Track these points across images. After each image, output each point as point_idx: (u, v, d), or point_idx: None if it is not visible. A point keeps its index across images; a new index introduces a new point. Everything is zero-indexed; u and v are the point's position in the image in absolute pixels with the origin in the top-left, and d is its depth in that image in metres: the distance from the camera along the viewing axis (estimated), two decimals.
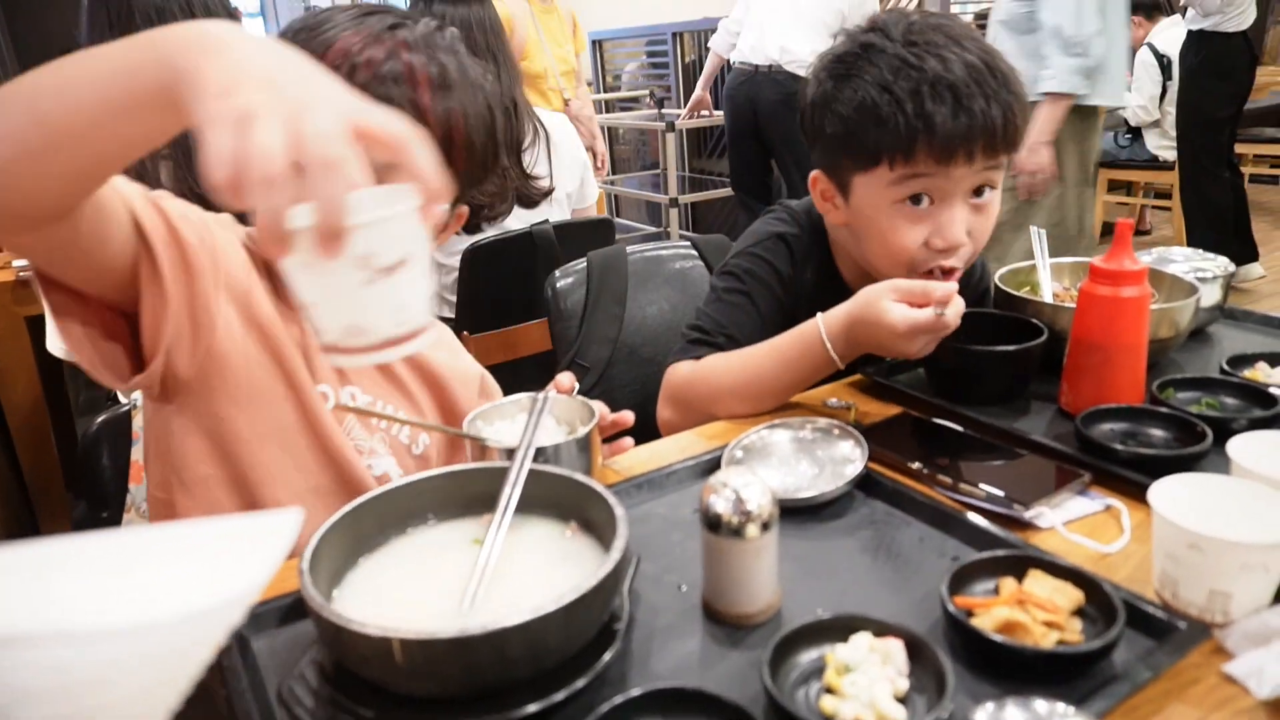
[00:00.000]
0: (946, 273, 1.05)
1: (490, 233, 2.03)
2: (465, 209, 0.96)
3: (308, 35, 0.83)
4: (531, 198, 2.07)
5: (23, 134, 0.55)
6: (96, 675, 0.31)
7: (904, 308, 0.92)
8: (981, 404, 1.01)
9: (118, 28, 1.50)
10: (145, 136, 0.57)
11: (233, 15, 1.63)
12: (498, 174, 1.97)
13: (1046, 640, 0.61)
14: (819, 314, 1.00)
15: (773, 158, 3.79)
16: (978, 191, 1.03)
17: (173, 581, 0.33)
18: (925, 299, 0.92)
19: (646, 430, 1.02)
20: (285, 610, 0.69)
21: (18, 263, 2.03)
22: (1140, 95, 4.71)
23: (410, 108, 0.81)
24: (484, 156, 0.90)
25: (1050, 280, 1.23)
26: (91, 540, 0.36)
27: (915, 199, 1.02)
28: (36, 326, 1.87)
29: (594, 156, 3.45)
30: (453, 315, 2.04)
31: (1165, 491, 0.69)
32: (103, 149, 0.57)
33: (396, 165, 0.50)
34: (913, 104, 0.96)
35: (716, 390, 1.06)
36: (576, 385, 0.93)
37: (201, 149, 0.45)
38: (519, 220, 2.07)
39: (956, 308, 0.92)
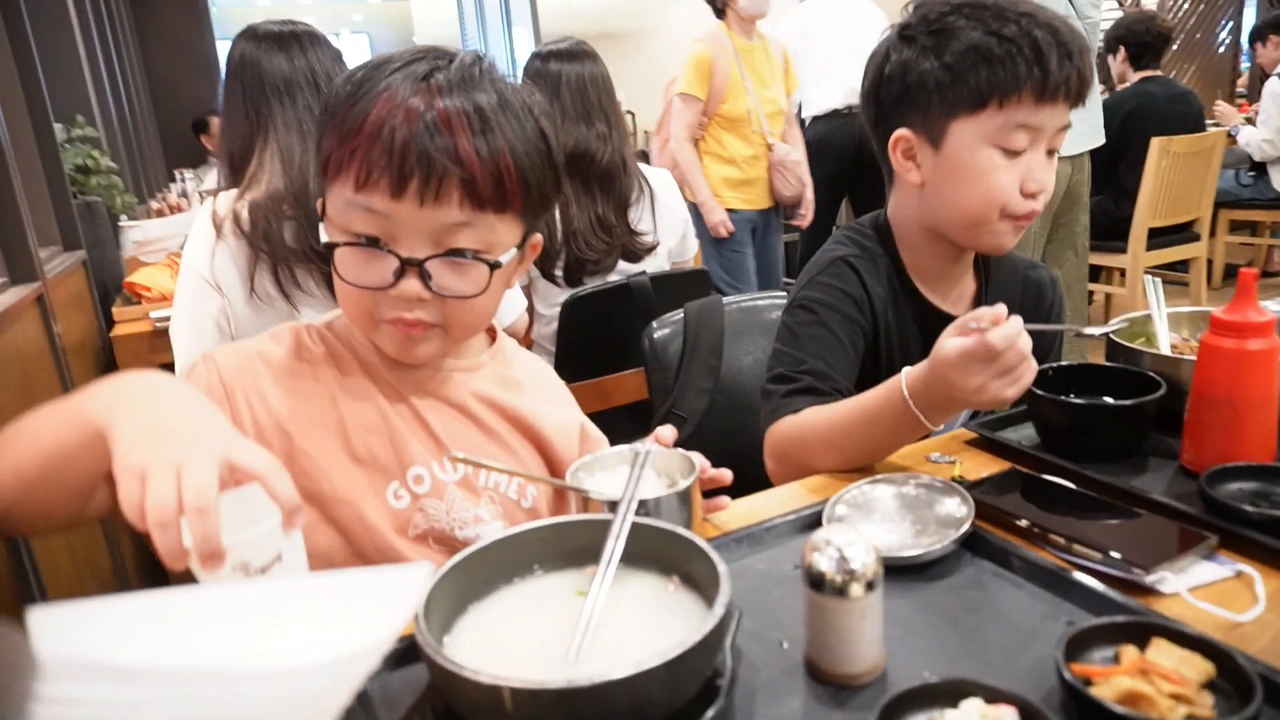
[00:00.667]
0: (1027, 216, 1.09)
1: (589, 284, 2.08)
2: (538, 239, 0.96)
3: (356, 90, 0.84)
4: (636, 253, 2.11)
5: (7, 483, 0.73)
6: (245, 716, 0.34)
7: (955, 339, 0.89)
8: (1095, 461, 0.98)
9: (250, 100, 1.62)
10: (100, 466, 0.67)
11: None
12: (604, 230, 2.04)
13: (1174, 715, 0.58)
14: (904, 370, 0.97)
15: (861, 194, 3.82)
16: (1051, 151, 1.10)
17: (312, 630, 0.36)
18: (976, 324, 0.89)
19: (743, 483, 1.02)
20: (399, 654, 0.71)
21: (154, 314, 2.20)
22: (1267, 129, 4.46)
23: (453, 155, 0.82)
24: (541, 186, 0.89)
25: (1167, 331, 1.18)
26: (239, 589, 0.39)
27: (1014, 146, 1.07)
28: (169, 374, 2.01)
29: (800, 204, 3.33)
30: (551, 364, 2.09)
31: None
32: (72, 478, 0.72)
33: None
34: (1028, 44, 1.03)
35: (814, 448, 1.05)
36: (676, 438, 0.95)
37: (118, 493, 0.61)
38: (618, 272, 2.11)
39: (1004, 331, 0.87)
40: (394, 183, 0.81)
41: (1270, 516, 0.82)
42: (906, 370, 0.97)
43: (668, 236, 2.18)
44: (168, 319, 1.72)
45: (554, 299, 2.08)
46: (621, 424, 1.16)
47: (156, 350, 2.15)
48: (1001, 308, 0.90)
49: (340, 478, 0.90)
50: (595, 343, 2.06)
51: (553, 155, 0.91)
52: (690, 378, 1.60)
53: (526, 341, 2.19)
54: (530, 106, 0.89)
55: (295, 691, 0.34)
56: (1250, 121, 4.67)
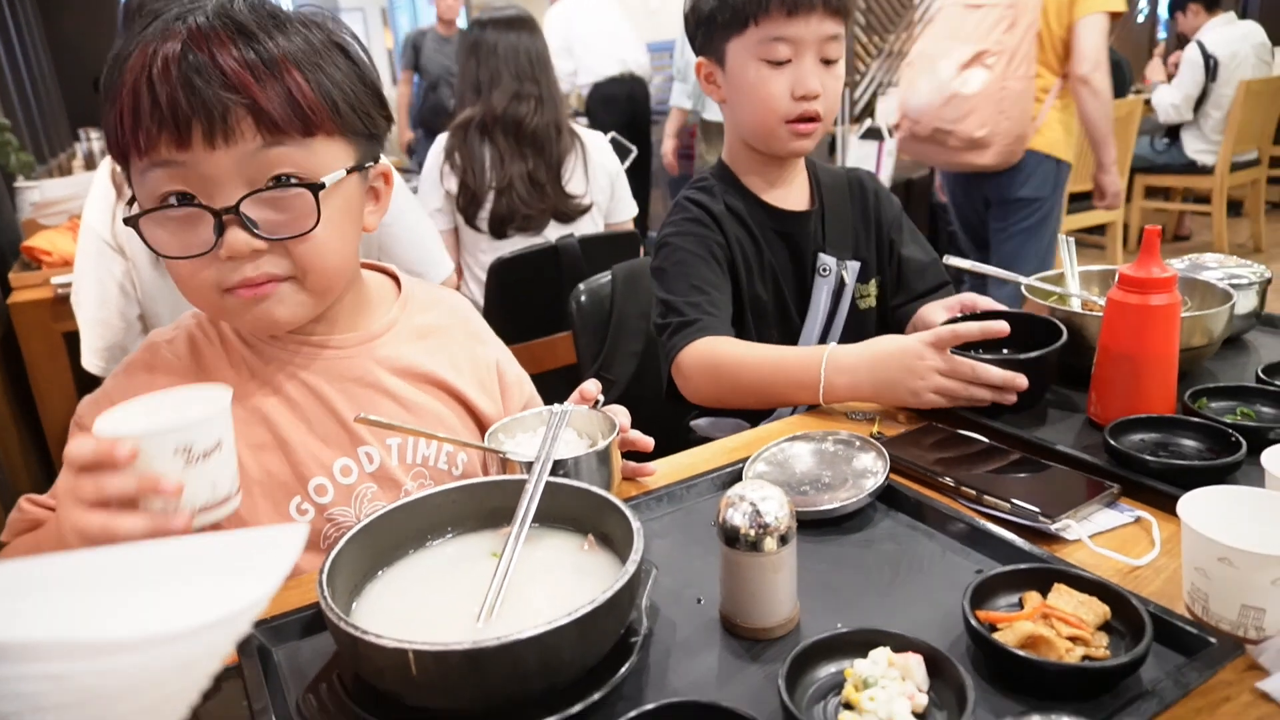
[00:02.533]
0: (810, 119, 1.21)
1: (517, 245, 2.06)
2: (387, 167, 0.89)
3: (116, 59, 0.76)
4: (569, 214, 2.13)
5: None
6: (106, 686, 0.32)
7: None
8: (1004, 412, 1.00)
9: None
10: None
11: None
12: (534, 186, 2.05)
13: (1071, 656, 0.59)
14: (828, 346, 1.09)
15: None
16: (826, 60, 1.21)
17: (180, 594, 0.34)
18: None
19: (670, 444, 1.02)
20: (307, 622, 0.70)
21: (56, 279, 2.09)
22: (1177, 93, 4.59)
23: (227, 84, 0.72)
24: (353, 102, 0.80)
25: (1079, 288, 1.22)
26: (99, 554, 0.37)
27: (776, 58, 1.19)
28: (73, 342, 1.92)
29: None
30: None
31: (1195, 503, 0.67)
32: None
33: None
34: None
35: (723, 382, 1.15)
36: (601, 397, 0.93)
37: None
38: (550, 232, 2.11)
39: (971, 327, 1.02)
40: (174, 134, 0.73)
41: (1168, 465, 0.85)
42: (834, 346, 1.08)
43: (599, 194, 2.19)
44: (70, 285, 1.63)
45: (486, 252, 2.08)
46: (556, 388, 1.15)
47: (59, 318, 2.05)
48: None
49: (233, 515, 0.82)
50: (524, 306, 2.04)
51: (364, 74, 0.82)
52: (618, 341, 1.58)
53: None
54: (326, 32, 0.81)
55: (161, 659, 0.32)
56: (1171, 79, 4.78)
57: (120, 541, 0.62)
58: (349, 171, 0.81)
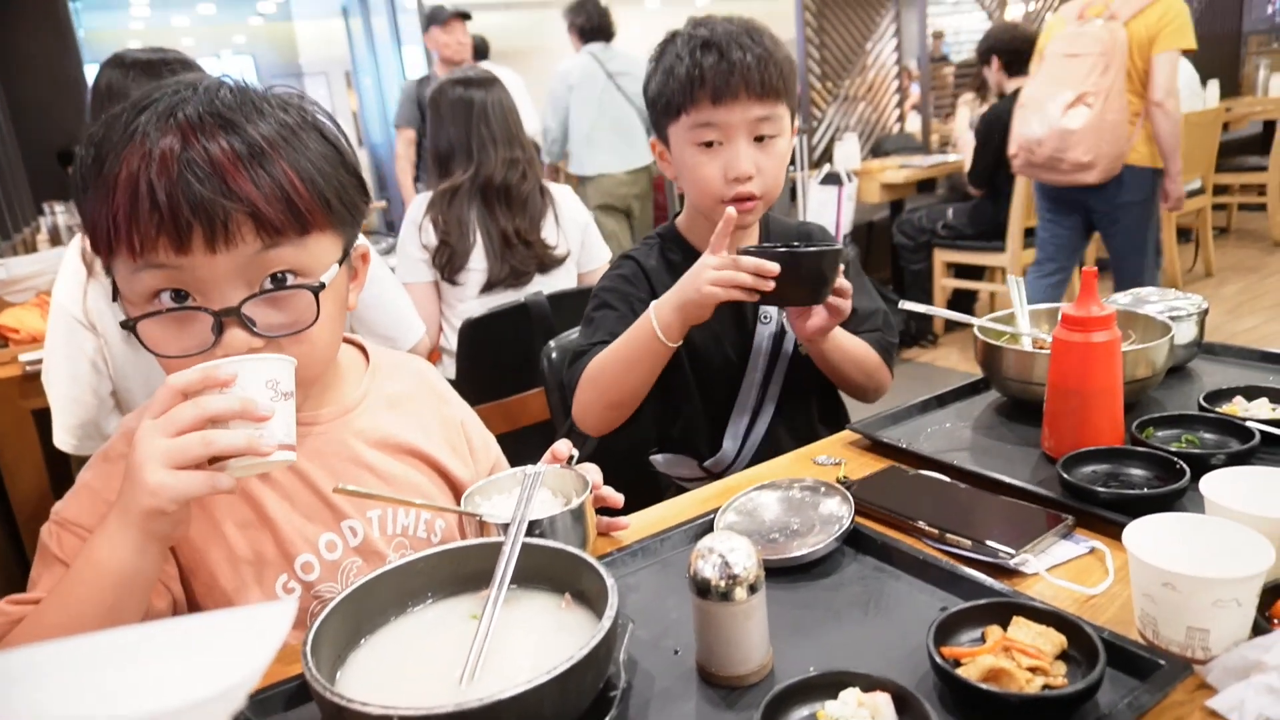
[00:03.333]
0: (747, 199, 1.24)
1: (496, 298, 2.12)
2: (364, 247, 0.90)
3: (99, 149, 0.75)
4: (548, 265, 2.22)
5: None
6: None
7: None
8: (787, 304, 1.15)
9: None
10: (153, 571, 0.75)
11: None
12: (525, 245, 2.11)
13: (1031, 686, 0.62)
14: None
15: None
16: (760, 138, 1.25)
17: (173, 673, 0.36)
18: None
19: (643, 497, 1.05)
20: (290, 694, 0.71)
21: (24, 356, 2.08)
22: None
23: (228, 192, 0.73)
24: (342, 195, 0.81)
25: (1029, 327, 1.27)
26: (91, 637, 0.39)
27: (708, 141, 1.24)
28: (43, 420, 1.91)
29: None
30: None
31: (1140, 531, 0.71)
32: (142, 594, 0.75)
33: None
34: (689, 58, 1.23)
35: (595, 381, 1.21)
36: (575, 454, 0.96)
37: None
38: (531, 286, 2.18)
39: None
40: (174, 239, 0.73)
41: (1118, 495, 0.89)
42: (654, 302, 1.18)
43: (572, 243, 2.25)
44: (39, 362, 1.63)
45: (465, 302, 2.12)
46: (532, 445, 1.16)
47: (28, 395, 2.03)
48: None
49: (221, 595, 0.85)
50: (496, 364, 2.06)
51: (346, 159, 0.83)
52: None
53: (434, 357, 2.19)
54: (303, 113, 0.81)
55: None
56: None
57: (218, 453, 0.69)
58: (339, 263, 0.82)
